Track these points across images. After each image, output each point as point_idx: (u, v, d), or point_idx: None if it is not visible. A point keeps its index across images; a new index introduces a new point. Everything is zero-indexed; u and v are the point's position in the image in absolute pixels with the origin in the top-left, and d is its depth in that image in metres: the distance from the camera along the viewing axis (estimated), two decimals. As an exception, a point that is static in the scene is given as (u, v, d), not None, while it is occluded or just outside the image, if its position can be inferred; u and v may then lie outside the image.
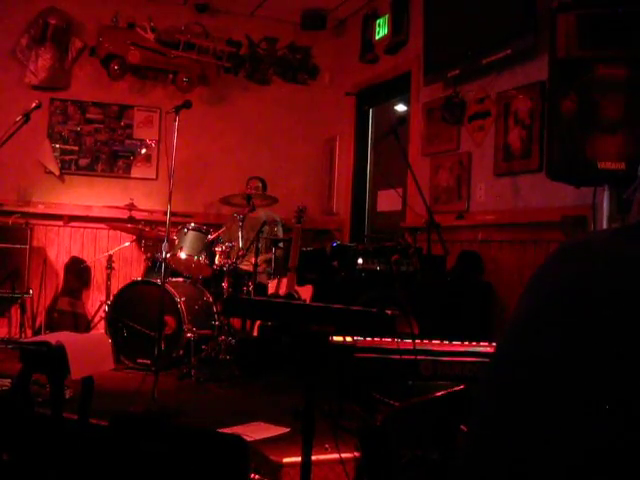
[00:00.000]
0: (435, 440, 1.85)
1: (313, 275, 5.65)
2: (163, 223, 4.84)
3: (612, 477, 0.90)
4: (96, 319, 6.62)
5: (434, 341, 2.66)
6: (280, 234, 6.62)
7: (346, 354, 2.47)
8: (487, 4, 5.34)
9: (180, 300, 5.60)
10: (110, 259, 6.44)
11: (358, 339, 2.54)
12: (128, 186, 7.45)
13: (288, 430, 3.70)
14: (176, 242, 5.87)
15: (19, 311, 6.57)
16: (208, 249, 5.87)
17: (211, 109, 7.78)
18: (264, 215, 6.47)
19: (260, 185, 6.82)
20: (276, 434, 3.67)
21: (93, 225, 7.31)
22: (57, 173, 7.29)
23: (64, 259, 7.17)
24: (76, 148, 7.41)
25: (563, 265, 1.10)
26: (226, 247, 5.71)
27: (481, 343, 2.68)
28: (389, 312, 2.27)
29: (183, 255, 5.86)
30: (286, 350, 4.96)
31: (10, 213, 6.79)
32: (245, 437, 3.20)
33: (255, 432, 3.63)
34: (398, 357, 2.43)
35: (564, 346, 0.99)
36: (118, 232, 7.10)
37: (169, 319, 5.56)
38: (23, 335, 6.44)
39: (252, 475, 3.06)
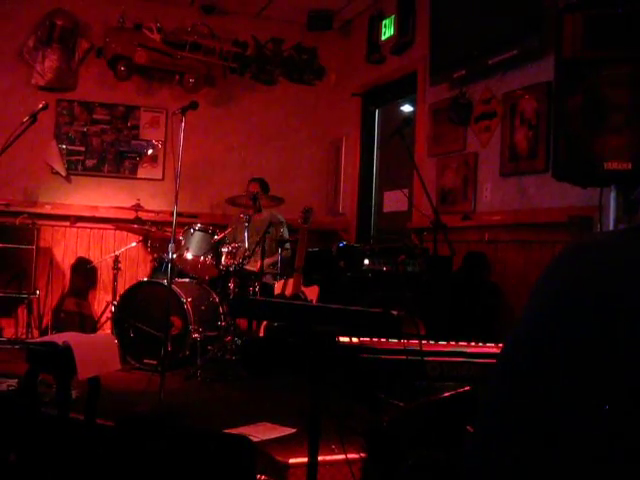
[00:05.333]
0: (442, 441, 1.85)
1: (319, 276, 5.65)
2: (169, 223, 4.85)
3: (616, 477, 0.90)
4: (102, 319, 6.63)
5: (440, 342, 2.65)
6: (285, 235, 6.62)
7: (352, 355, 2.46)
8: (493, 4, 5.34)
9: (186, 301, 5.61)
10: (116, 260, 6.45)
11: (364, 340, 2.53)
12: (134, 187, 7.46)
13: (294, 431, 3.70)
14: (182, 243, 5.88)
15: (26, 311, 6.59)
16: (214, 250, 5.88)
17: (217, 110, 7.79)
18: (269, 216, 6.47)
19: (259, 188, 6.71)
20: (282, 434, 3.67)
21: (100, 226, 7.32)
22: (64, 174, 7.30)
23: (71, 259, 7.19)
24: (83, 149, 7.43)
25: (570, 266, 1.10)
26: (232, 248, 5.72)
27: (487, 344, 2.68)
28: (395, 313, 2.27)
29: (189, 256, 5.86)
30: (292, 351, 4.96)
31: (17, 214, 6.81)
32: (251, 438, 3.21)
33: (261, 432, 3.63)
34: (404, 358, 2.43)
35: (571, 347, 0.99)
36: (124, 233, 7.12)
37: (175, 320, 5.57)
38: (30, 335, 6.46)
39: (258, 476, 3.07)
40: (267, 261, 6.05)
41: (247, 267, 5.86)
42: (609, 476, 0.90)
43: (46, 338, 4.15)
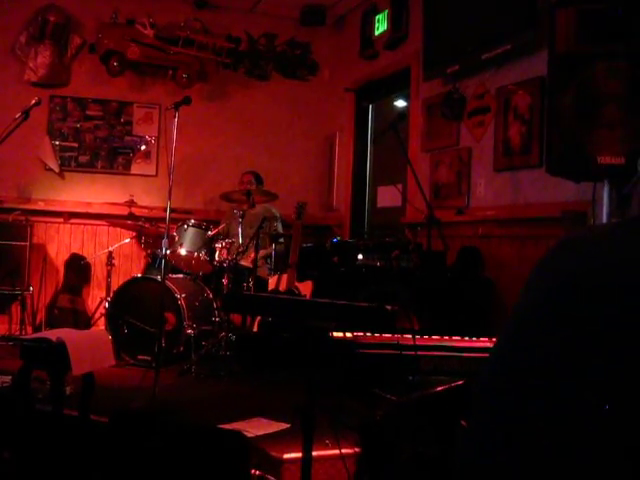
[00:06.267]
0: (435, 435, 1.85)
1: (313, 271, 5.65)
2: (163, 219, 4.84)
3: (616, 476, 0.90)
4: (96, 316, 6.62)
5: (434, 337, 2.66)
6: (280, 229, 6.62)
7: (346, 350, 2.46)
8: (487, -1, 5.34)
9: (180, 296, 5.61)
10: (110, 256, 6.44)
11: (358, 335, 2.53)
12: (128, 183, 7.45)
13: (288, 426, 3.70)
14: (176, 238, 5.87)
15: (19, 308, 6.58)
16: (208, 245, 5.87)
17: (210, 105, 7.78)
18: (263, 211, 6.47)
19: (253, 179, 6.77)
20: (277, 430, 3.68)
21: (93, 222, 7.31)
22: (57, 170, 7.29)
23: (64, 256, 7.17)
24: (76, 145, 7.41)
25: (563, 259, 1.10)
26: (226, 243, 5.71)
27: (481, 338, 2.68)
28: (389, 308, 2.27)
29: (183, 251, 5.86)
30: (286, 346, 4.96)
31: (10, 210, 6.79)
32: (246, 433, 3.21)
33: (255, 428, 3.63)
34: (398, 353, 2.43)
35: (564, 341, 0.99)
36: (118, 229, 7.10)
37: (169, 315, 5.57)
38: (23, 332, 6.45)
39: (253, 471, 3.07)
40: (261, 253, 6.04)
41: (241, 262, 5.86)
42: (607, 473, 0.91)
43: (40, 334, 4.14)
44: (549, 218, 4.70)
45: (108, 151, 7.51)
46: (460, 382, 1.99)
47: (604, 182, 3.71)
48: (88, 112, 7.45)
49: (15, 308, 6.72)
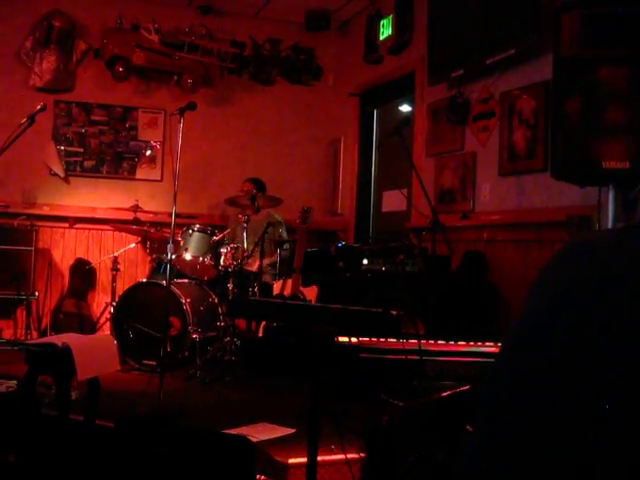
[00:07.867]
0: (441, 440, 1.85)
1: (318, 276, 5.65)
2: (168, 224, 4.85)
3: (617, 476, 0.90)
4: (102, 320, 6.62)
5: (439, 341, 2.65)
6: (284, 235, 6.61)
7: (351, 354, 2.46)
8: (491, 4, 5.34)
9: (185, 301, 5.61)
10: (115, 261, 6.44)
11: (363, 339, 2.53)
12: (133, 188, 7.46)
13: (294, 431, 3.70)
14: (181, 243, 5.88)
15: (25, 313, 6.59)
16: (213, 250, 5.88)
17: (215, 110, 7.79)
18: (267, 216, 6.47)
19: (253, 188, 6.64)
20: (282, 435, 3.67)
21: (98, 227, 7.32)
22: (62, 175, 7.30)
23: (69, 261, 7.19)
24: (81, 150, 7.43)
25: (567, 265, 1.10)
26: (231, 248, 5.72)
27: (486, 343, 2.68)
28: (394, 312, 2.27)
29: (188, 256, 5.87)
30: (291, 351, 4.96)
31: (15, 215, 6.81)
32: (251, 438, 3.21)
33: (261, 433, 3.63)
34: (403, 357, 2.43)
35: (570, 346, 0.99)
36: (123, 234, 7.11)
37: (174, 320, 5.57)
38: (29, 337, 6.45)
39: (258, 476, 3.07)
40: (266, 261, 6.05)
41: (246, 267, 5.86)
42: (609, 475, 0.91)
43: (45, 339, 4.15)
44: (554, 223, 4.69)
45: (113, 156, 7.53)
46: (466, 387, 1.99)
47: (609, 186, 3.71)
48: (93, 117, 7.47)
49: (20, 313, 6.73)
